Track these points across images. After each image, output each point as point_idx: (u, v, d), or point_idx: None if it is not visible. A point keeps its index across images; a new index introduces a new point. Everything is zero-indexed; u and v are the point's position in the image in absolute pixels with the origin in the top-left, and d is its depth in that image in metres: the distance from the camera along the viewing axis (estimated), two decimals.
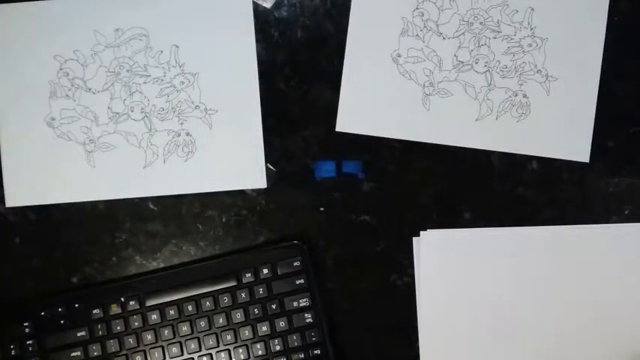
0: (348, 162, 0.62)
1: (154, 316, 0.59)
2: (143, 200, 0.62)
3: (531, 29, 0.62)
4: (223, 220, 0.62)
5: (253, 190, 0.62)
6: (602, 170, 0.62)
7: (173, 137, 0.62)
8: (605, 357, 0.61)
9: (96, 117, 0.62)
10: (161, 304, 0.59)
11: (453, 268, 0.62)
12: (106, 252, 0.62)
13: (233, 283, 0.60)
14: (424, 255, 0.62)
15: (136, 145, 0.62)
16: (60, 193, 0.62)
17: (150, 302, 0.59)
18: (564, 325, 0.61)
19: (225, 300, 0.59)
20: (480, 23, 0.62)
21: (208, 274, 0.60)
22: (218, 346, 0.59)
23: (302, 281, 0.60)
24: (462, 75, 0.62)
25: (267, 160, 0.62)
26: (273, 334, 0.59)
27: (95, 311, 0.59)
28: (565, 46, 0.62)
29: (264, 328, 0.59)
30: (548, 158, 0.62)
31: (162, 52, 0.62)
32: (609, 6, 0.61)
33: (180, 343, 0.59)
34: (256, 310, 0.59)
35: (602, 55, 0.62)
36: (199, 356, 0.59)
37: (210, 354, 0.59)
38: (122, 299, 0.59)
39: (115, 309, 0.59)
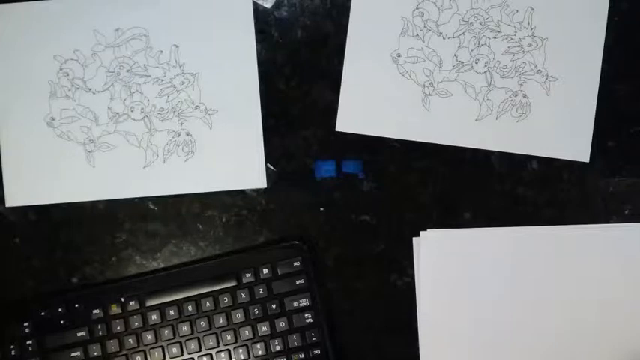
0: (348, 162, 0.62)
1: (154, 316, 0.59)
2: (143, 200, 0.62)
3: (531, 29, 0.62)
4: (223, 220, 0.62)
5: (253, 190, 0.62)
6: (602, 170, 0.62)
7: (173, 137, 0.62)
8: (605, 357, 0.61)
9: (96, 117, 0.62)
10: (161, 304, 0.59)
11: (453, 268, 0.62)
12: (105, 252, 0.62)
13: (233, 283, 0.60)
14: (424, 255, 0.62)
15: (136, 145, 0.62)
16: (60, 193, 0.62)
17: (150, 302, 0.59)
18: (564, 325, 0.61)
19: (225, 300, 0.59)
20: (480, 23, 0.62)
21: (208, 274, 0.60)
22: (218, 346, 0.59)
23: (302, 281, 0.60)
24: (462, 75, 0.62)
25: (267, 160, 0.62)
26: (273, 334, 0.59)
27: (95, 311, 0.59)
28: (565, 46, 0.62)
29: (264, 328, 0.59)
30: (548, 158, 0.62)
31: (162, 52, 0.62)
32: (609, 6, 0.61)
33: (180, 343, 0.59)
34: (256, 310, 0.59)
35: (602, 55, 0.62)
36: (199, 356, 0.59)
37: (210, 354, 0.59)
38: (122, 299, 0.59)
39: (115, 309, 0.59)
